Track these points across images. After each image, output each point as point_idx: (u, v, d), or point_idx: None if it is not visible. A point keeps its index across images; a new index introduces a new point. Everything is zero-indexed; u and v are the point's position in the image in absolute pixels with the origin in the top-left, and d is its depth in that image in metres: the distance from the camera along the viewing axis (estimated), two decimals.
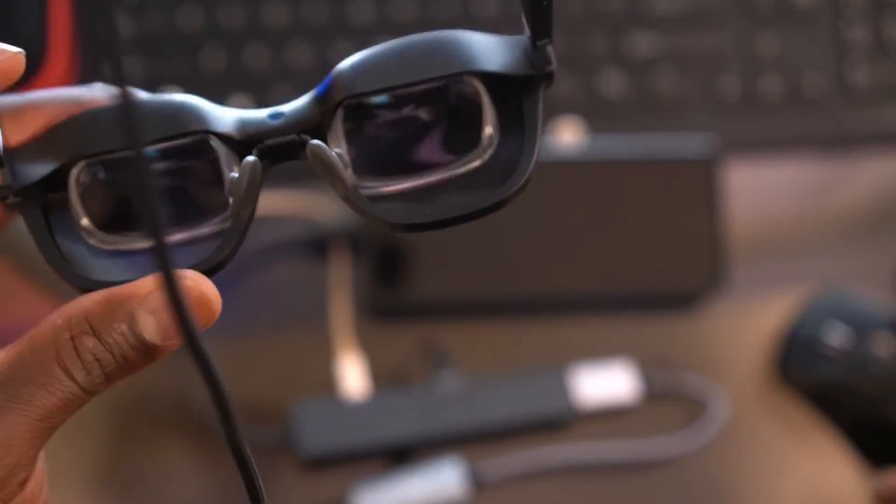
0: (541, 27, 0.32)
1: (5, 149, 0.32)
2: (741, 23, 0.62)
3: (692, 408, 0.57)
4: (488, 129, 0.32)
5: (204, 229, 0.33)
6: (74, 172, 0.32)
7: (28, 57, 0.58)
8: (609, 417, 0.57)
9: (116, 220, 0.33)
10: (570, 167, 0.58)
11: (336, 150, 0.32)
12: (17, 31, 0.57)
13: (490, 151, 0.33)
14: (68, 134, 0.32)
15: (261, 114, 0.33)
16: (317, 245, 0.59)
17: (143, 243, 0.33)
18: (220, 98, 0.59)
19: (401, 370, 0.58)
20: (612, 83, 0.61)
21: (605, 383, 0.56)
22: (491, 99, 0.32)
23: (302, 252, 0.59)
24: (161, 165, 0.33)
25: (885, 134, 0.62)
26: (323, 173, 0.32)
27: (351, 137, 0.32)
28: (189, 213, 0.33)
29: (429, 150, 0.33)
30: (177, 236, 0.33)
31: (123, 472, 0.57)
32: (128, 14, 0.60)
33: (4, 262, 0.56)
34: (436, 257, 0.57)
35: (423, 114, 0.33)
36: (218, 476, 0.56)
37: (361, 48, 0.36)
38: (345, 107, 0.32)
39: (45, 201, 0.32)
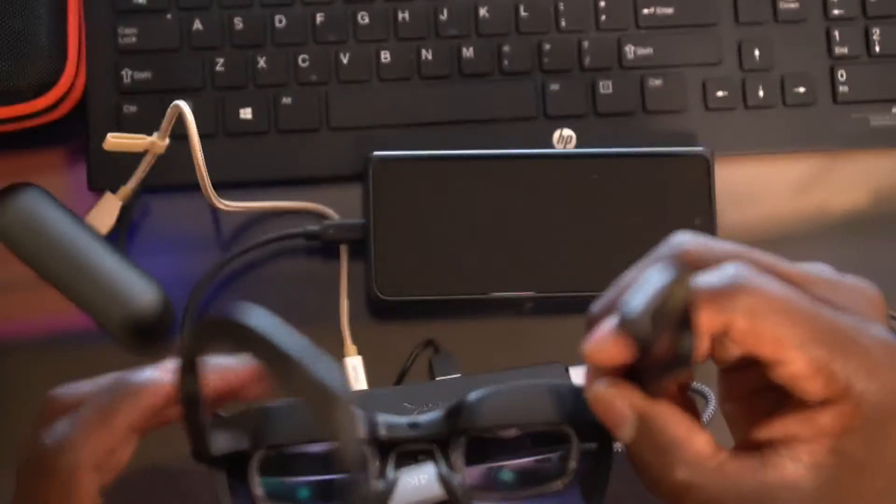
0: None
1: (214, 418, 0.40)
2: (734, 28, 0.63)
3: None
4: (573, 464, 0.41)
5: None
6: (259, 454, 0.40)
7: (45, 68, 0.58)
8: None
9: (284, 493, 0.41)
10: (566, 167, 0.59)
11: (457, 476, 0.41)
12: (36, 43, 0.57)
13: (570, 480, 0.42)
14: (260, 419, 0.40)
15: (401, 421, 0.41)
16: (326, 247, 0.59)
17: None
18: (227, 105, 0.60)
19: (401, 370, 0.59)
20: (605, 86, 0.62)
21: None
22: (578, 442, 0.41)
23: (312, 254, 0.60)
24: (316, 449, 0.41)
25: (874, 134, 0.62)
26: (447, 490, 0.41)
27: (468, 456, 0.41)
28: (332, 490, 0.42)
29: (524, 471, 0.42)
30: None
31: (134, 469, 0.57)
32: (139, 23, 0.60)
33: (18, 260, 0.57)
34: (436, 257, 0.58)
35: (525, 445, 0.43)
36: None
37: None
38: (468, 434, 0.41)
39: (229, 466, 0.40)
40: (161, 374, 0.41)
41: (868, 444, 0.37)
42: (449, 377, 0.57)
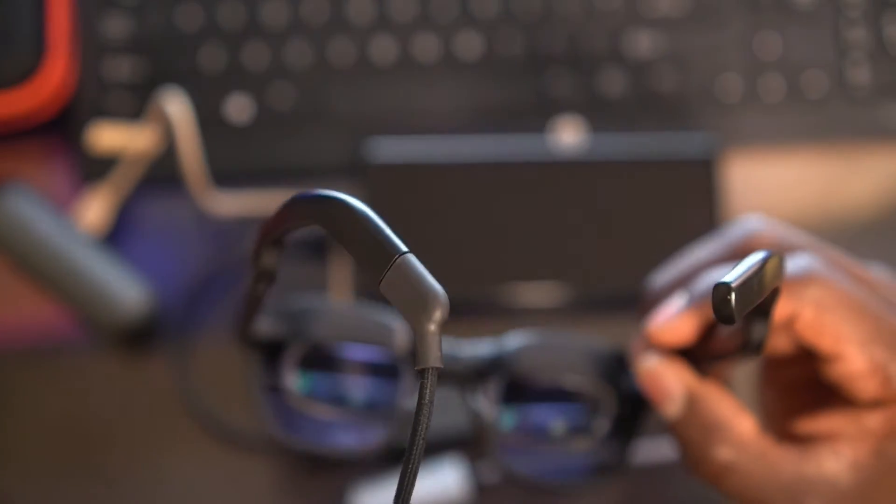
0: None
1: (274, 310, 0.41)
2: (742, 22, 0.62)
3: None
4: (600, 428, 0.42)
5: (369, 417, 0.43)
6: (295, 346, 0.42)
7: (27, 57, 0.59)
8: None
9: (314, 390, 0.43)
10: (570, 167, 0.58)
11: (486, 415, 0.42)
12: (16, 31, 0.57)
13: (592, 444, 0.43)
14: (304, 317, 0.42)
15: (445, 349, 0.41)
16: (317, 245, 0.59)
17: (324, 414, 0.43)
18: (219, 97, 0.60)
19: None
20: (613, 82, 0.61)
21: None
22: (615, 406, 0.42)
23: (302, 252, 0.59)
24: (350, 355, 0.43)
25: (886, 133, 0.61)
26: (478, 430, 0.42)
27: (503, 397, 0.42)
28: (358, 398, 0.44)
29: (550, 422, 0.43)
30: (341, 415, 0.43)
31: (125, 473, 0.57)
32: (126, 13, 0.60)
33: (4, 261, 0.56)
34: (435, 257, 0.57)
35: (556, 399, 0.43)
36: (219, 476, 0.56)
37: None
38: (504, 377, 0.42)
39: (267, 351, 0.42)
40: None
41: None
42: None
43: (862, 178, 0.62)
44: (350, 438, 0.44)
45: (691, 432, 0.39)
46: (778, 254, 0.34)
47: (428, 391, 0.30)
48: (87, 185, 0.58)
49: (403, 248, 0.31)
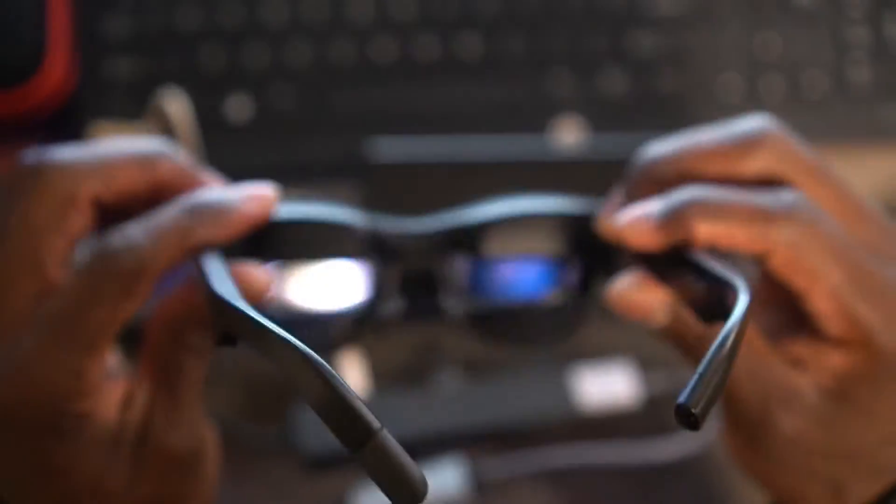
0: None
1: None
2: (742, 22, 0.62)
3: None
4: (571, 285, 0.41)
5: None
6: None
7: (26, 57, 0.59)
8: (609, 419, 0.56)
9: None
10: (570, 167, 0.58)
11: (456, 286, 0.40)
12: (16, 30, 0.57)
13: (565, 300, 0.42)
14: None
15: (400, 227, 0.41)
16: None
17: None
18: (219, 97, 0.60)
19: (401, 370, 0.58)
20: (613, 82, 0.61)
21: (605, 384, 0.56)
22: (583, 266, 0.41)
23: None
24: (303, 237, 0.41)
25: (886, 133, 0.61)
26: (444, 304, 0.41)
27: (470, 269, 0.41)
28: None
29: (520, 291, 0.42)
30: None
31: None
32: (126, 13, 0.60)
33: None
34: None
35: (525, 265, 0.43)
36: (218, 476, 0.56)
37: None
38: (474, 254, 0.41)
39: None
40: (240, 203, 0.38)
41: (877, 393, 0.37)
42: (448, 377, 0.56)
43: (862, 178, 0.62)
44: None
45: (682, 329, 0.39)
46: (742, 328, 0.32)
47: None
48: None
49: (377, 423, 0.28)
